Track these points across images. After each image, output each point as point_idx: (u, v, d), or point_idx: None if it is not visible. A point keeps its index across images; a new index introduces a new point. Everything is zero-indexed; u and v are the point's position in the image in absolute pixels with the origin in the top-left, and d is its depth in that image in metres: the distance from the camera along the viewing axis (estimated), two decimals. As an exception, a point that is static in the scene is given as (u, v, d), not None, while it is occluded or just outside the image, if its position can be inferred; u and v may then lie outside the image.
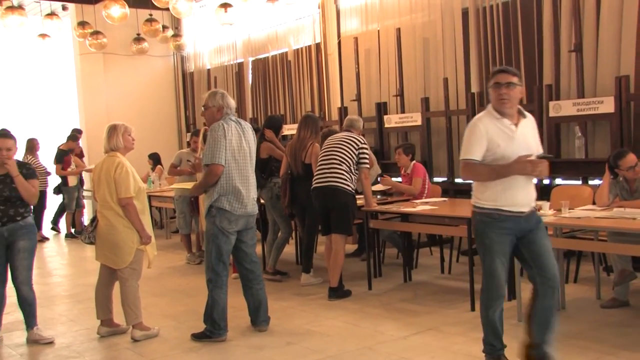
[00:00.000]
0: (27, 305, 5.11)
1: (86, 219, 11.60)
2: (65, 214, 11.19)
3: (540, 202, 5.17)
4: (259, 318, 5.12)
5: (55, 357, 4.81)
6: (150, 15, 11.13)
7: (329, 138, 6.31)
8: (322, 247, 6.65)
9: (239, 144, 4.92)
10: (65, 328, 5.50)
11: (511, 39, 7.38)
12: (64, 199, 11.05)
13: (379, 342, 4.68)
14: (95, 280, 5.28)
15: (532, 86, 7.10)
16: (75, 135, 11.23)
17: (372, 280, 6.35)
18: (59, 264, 9.12)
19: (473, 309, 5.30)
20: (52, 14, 10.78)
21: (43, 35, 11.43)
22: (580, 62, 6.70)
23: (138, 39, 11.83)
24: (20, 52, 14.87)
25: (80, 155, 11.31)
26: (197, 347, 4.82)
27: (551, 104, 6.80)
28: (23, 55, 14.96)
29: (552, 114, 6.79)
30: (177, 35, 12.32)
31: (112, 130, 5.09)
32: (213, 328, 4.90)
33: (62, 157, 10.79)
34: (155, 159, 11.25)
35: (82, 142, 11.54)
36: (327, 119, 9.85)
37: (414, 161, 7.28)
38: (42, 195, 10.83)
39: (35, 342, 5.10)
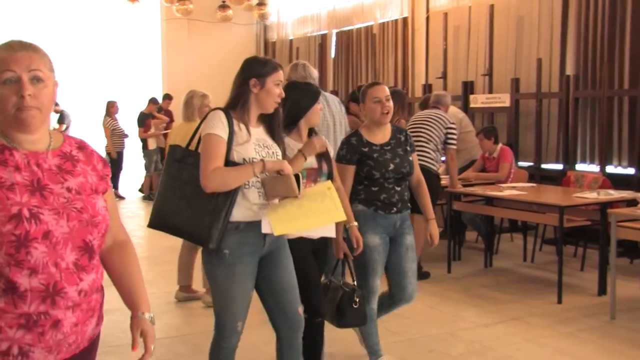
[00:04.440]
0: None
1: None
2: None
3: (641, 194, 4.87)
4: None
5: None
6: (237, -18, 11.10)
7: (416, 115, 6.11)
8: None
9: (322, 115, 4.78)
10: (143, 289, 5.55)
11: (617, 18, 6.91)
12: (144, 161, 11.26)
13: (461, 328, 4.51)
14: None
15: (636, 70, 6.67)
16: (155, 98, 11.45)
17: (452, 263, 6.16)
18: (136, 225, 9.26)
19: (560, 301, 5.05)
20: (142, -22, 10.90)
21: (132, 0, 11.59)
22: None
23: (223, 6, 11.83)
24: (109, 16, 15.16)
25: (171, 119, 11.46)
26: (273, 318, 4.76)
27: (657, 90, 6.37)
28: (112, 20, 15.25)
29: (656, 101, 6.36)
30: (261, 3, 12.24)
31: (190, 99, 5.11)
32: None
33: (144, 120, 10.97)
34: None
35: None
36: (410, 96, 9.60)
37: (500, 144, 6.98)
38: (119, 156, 11.15)
39: None
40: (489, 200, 6.06)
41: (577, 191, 5.77)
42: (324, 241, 3.35)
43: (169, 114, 11.61)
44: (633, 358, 3.93)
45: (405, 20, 9.90)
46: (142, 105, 11.42)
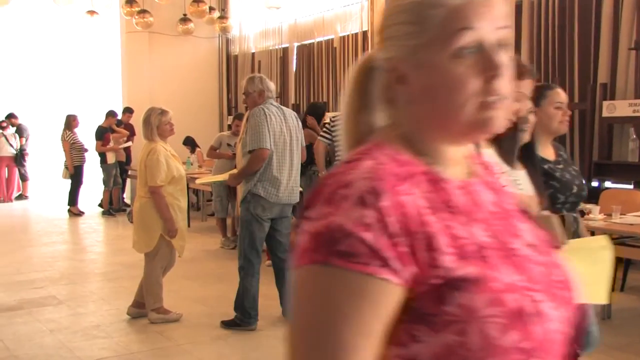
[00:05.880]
0: None
1: (128, 198, 11.72)
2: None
3: (589, 206, 4.95)
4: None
5: (84, 336, 4.77)
6: (198, -4, 11.07)
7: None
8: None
9: (280, 129, 4.80)
10: (95, 307, 5.47)
11: (566, 34, 7.08)
12: (102, 175, 11.13)
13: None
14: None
15: (585, 84, 6.82)
16: (114, 112, 11.36)
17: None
18: (94, 240, 9.17)
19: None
20: (100, -9, 10.81)
21: (91, 12, 11.50)
22: (640, 61, 6.40)
23: (184, 20, 11.77)
24: (67, 28, 15.01)
25: (132, 133, 11.36)
26: (226, 334, 4.73)
27: (605, 103, 6.51)
28: (70, 32, 15.10)
29: (605, 114, 6.51)
30: (223, 17, 12.22)
31: (148, 117, 4.95)
32: (243, 316, 4.80)
33: (102, 134, 10.86)
34: (190, 143, 11.16)
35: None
36: (369, 109, 9.66)
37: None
38: (79, 170, 11.01)
39: None
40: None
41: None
42: None
43: (129, 127, 11.52)
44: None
45: (365, 34, 9.98)
46: (101, 119, 11.30)
